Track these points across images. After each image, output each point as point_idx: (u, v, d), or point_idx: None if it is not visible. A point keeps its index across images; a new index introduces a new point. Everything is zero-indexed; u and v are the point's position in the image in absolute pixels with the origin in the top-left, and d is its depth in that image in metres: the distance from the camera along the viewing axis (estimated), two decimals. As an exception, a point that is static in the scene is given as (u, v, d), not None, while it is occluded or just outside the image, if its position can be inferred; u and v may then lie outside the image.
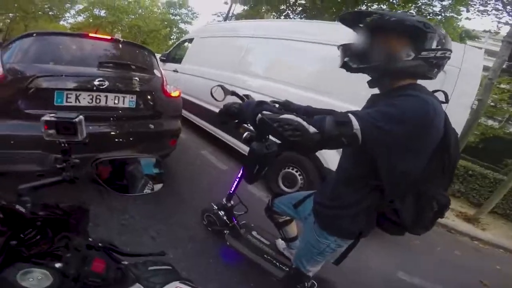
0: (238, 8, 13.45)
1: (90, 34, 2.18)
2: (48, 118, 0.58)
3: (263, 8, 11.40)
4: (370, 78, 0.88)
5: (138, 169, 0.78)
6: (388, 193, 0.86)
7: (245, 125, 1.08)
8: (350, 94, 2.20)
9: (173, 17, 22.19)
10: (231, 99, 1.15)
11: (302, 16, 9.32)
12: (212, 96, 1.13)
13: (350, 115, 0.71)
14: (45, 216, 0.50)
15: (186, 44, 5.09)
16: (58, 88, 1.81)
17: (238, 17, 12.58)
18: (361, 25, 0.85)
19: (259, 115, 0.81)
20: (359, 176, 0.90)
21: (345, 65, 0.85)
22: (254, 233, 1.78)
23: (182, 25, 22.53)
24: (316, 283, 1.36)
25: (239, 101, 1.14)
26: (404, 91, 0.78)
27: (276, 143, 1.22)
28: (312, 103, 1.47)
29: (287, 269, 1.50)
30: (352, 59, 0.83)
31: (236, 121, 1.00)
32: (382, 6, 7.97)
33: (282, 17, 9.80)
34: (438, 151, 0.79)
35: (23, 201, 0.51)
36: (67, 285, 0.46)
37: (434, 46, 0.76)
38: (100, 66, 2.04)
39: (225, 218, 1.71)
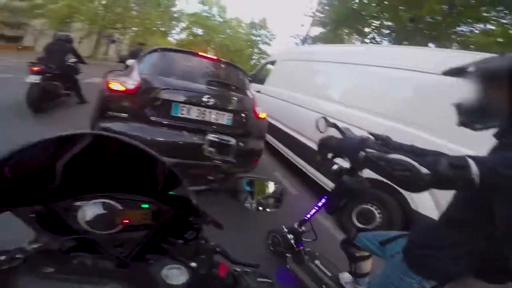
0: (316, 31, 13.43)
1: (200, 53, 2.50)
2: (212, 138, 0.72)
3: (345, 31, 11.10)
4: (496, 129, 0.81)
5: (240, 185, 0.90)
6: (503, 243, 0.79)
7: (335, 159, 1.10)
8: (443, 127, 1.94)
9: (255, 37, 24.10)
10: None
11: (390, 40, 8.71)
12: (317, 127, 1.20)
13: (468, 159, 0.66)
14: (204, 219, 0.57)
15: (268, 66, 5.44)
16: (175, 100, 2.14)
17: (316, 39, 12.59)
18: (469, 72, 0.81)
19: (362, 152, 0.82)
20: (468, 220, 0.84)
21: (463, 125, 0.83)
22: (317, 262, 1.73)
23: (261, 46, 24.24)
24: None
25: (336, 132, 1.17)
26: None
27: (368, 180, 1.19)
28: (397, 134, 1.36)
29: None
30: (469, 117, 0.81)
31: (331, 154, 1.03)
32: (479, 24, 6.79)
33: (367, 40, 9.36)
34: None
35: None
36: (195, 284, 0.51)
37: None
38: (208, 84, 2.32)
39: (292, 241, 1.73)
